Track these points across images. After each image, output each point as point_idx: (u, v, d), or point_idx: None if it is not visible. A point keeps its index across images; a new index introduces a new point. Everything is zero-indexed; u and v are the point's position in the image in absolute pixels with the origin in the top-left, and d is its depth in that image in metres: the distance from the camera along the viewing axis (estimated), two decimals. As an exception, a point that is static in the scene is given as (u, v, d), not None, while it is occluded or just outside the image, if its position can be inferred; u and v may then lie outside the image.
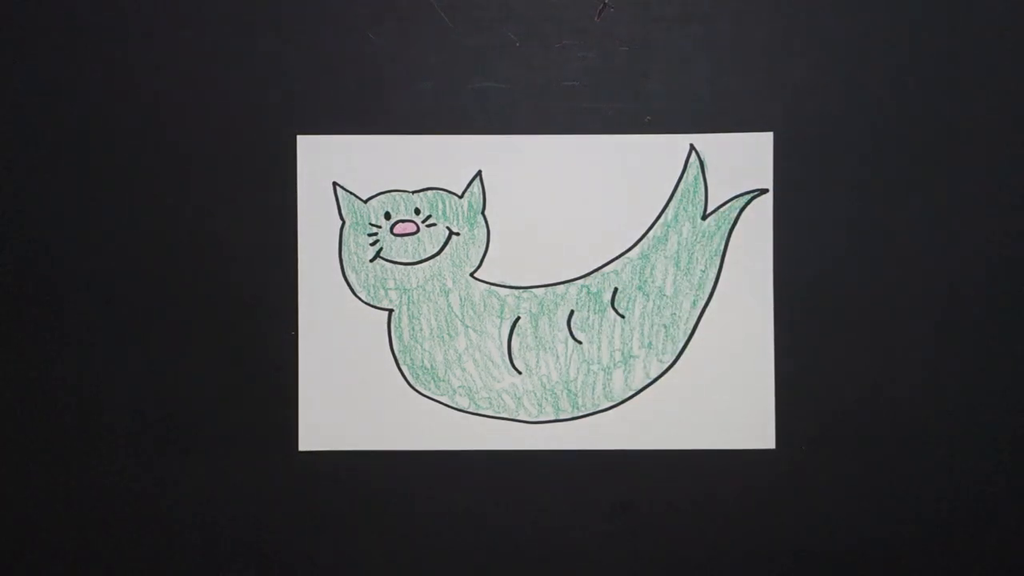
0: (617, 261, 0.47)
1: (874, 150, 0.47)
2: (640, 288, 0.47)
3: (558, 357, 0.47)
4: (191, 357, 0.47)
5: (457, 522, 0.47)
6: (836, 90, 0.47)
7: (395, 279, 0.47)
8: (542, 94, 0.47)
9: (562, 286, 0.47)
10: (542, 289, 0.47)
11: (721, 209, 0.47)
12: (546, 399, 0.47)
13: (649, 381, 0.47)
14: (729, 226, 0.47)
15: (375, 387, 0.47)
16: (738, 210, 0.47)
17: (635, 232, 0.47)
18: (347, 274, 0.47)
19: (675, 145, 0.47)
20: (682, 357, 0.47)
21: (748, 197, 0.47)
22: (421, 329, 0.47)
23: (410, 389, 0.47)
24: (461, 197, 0.47)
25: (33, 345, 0.47)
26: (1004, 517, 0.47)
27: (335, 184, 0.47)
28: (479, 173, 0.47)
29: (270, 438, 0.47)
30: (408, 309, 0.47)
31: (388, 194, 0.47)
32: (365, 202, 0.47)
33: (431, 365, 0.47)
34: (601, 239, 0.47)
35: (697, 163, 0.47)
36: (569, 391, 0.47)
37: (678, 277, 0.47)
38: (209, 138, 0.47)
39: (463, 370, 0.47)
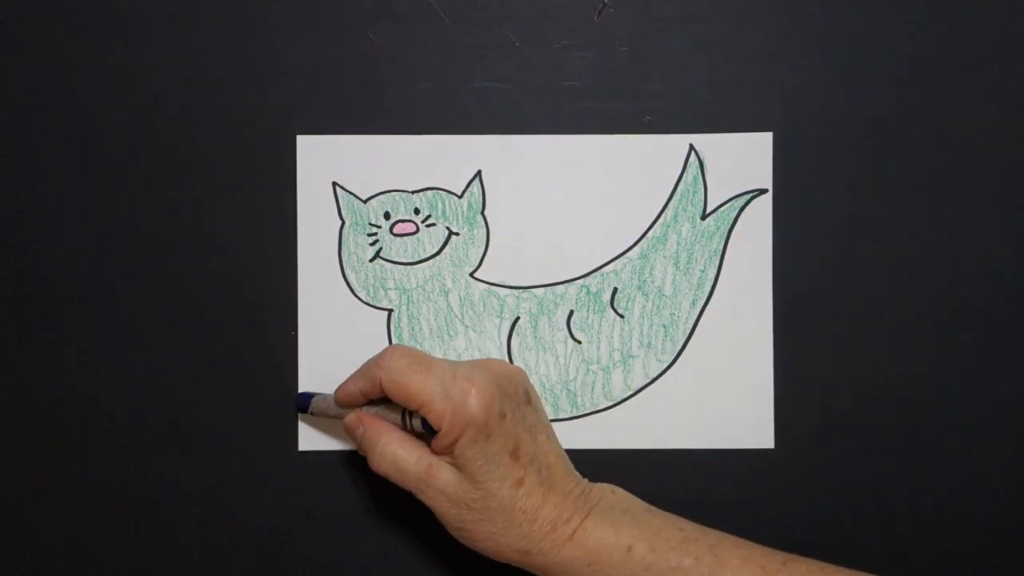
0: (616, 261, 0.47)
1: (874, 150, 0.47)
2: (639, 288, 0.48)
3: (557, 357, 0.48)
4: (191, 357, 0.47)
5: (457, 522, 0.47)
6: (836, 90, 0.47)
7: (395, 279, 0.48)
8: (542, 94, 0.47)
9: (561, 286, 0.47)
10: (541, 289, 0.48)
11: (720, 209, 0.47)
12: (545, 399, 0.47)
13: (648, 381, 0.47)
14: (728, 226, 0.47)
15: (375, 387, 0.47)
16: (737, 210, 0.47)
17: (634, 232, 0.47)
18: (347, 274, 0.47)
19: (674, 145, 0.47)
20: (681, 357, 0.47)
21: (747, 197, 0.47)
22: (421, 329, 0.47)
23: (410, 389, 0.47)
24: (461, 197, 0.47)
25: (33, 345, 0.47)
26: (1004, 516, 0.47)
27: (335, 184, 0.47)
28: (479, 173, 0.47)
29: (270, 438, 0.47)
30: (408, 309, 0.47)
31: (388, 194, 0.47)
32: (365, 202, 0.47)
33: (431, 365, 0.47)
34: (600, 239, 0.47)
35: (696, 163, 0.47)
36: (568, 391, 0.47)
37: (677, 277, 0.48)
38: (209, 138, 0.47)
39: (463, 370, 0.47)
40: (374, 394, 0.43)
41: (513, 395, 0.42)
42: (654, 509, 0.43)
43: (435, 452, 0.42)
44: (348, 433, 0.45)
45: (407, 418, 0.43)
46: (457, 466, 0.41)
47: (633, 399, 0.47)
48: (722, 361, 0.47)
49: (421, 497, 0.42)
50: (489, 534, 0.41)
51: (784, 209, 0.47)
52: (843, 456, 0.47)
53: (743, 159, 0.47)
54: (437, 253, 0.48)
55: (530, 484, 0.41)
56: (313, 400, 0.46)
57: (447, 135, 0.47)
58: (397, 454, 0.42)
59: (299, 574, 0.47)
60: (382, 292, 0.48)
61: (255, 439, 0.47)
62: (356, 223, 0.47)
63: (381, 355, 0.43)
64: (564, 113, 0.47)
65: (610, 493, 0.43)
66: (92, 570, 0.47)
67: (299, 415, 0.47)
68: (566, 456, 0.44)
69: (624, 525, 0.41)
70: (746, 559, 0.40)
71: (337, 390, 0.45)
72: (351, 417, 0.44)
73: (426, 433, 0.42)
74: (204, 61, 0.47)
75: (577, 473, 0.44)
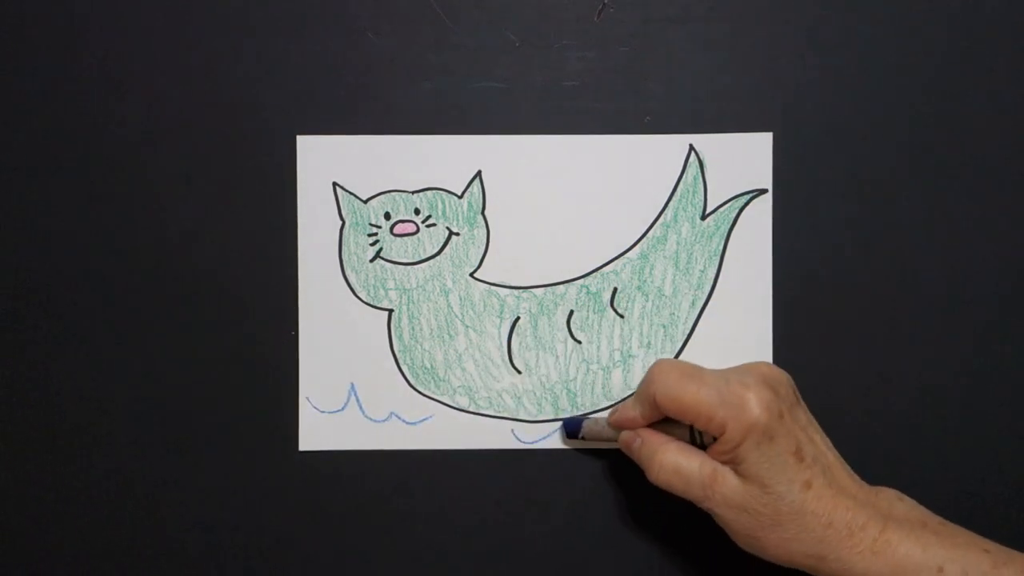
0: (616, 261, 0.47)
1: (873, 150, 0.47)
2: (639, 288, 0.48)
3: (558, 357, 0.48)
4: (191, 357, 0.47)
5: (457, 522, 0.47)
6: (836, 90, 0.47)
7: (395, 279, 0.48)
8: (542, 94, 0.47)
9: (562, 286, 0.48)
10: (542, 289, 0.48)
11: (720, 209, 0.47)
12: (546, 398, 0.47)
13: (649, 381, 0.47)
14: (728, 226, 0.47)
15: (375, 387, 0.47)
16: (737, 210, 0.47)
17: (634, 232, 0.47)
18: (347, 274, 0.47)
19: (674, 145, 0.47)
20: (681, 357, 0.47)
21: (747, 197, 0.47)
22: (421, 329, 0.47)
23: (410, 389, 0.47)
24: (461, 197, 0.47)
25: (33, 345, 0.47)
26: (1005, 516, 0.47)
27: (335, 184, 0.47)
28: (479, 173, 0.47)
29: (270, 438, 0.47)
30: (408, 309, 0.48)
31: (388, 194, 0.47)
32: (365, 202, 0.47)
33: (431, 365, 0.47)
34: (600, 239, 0.47)
35: (696, 163, 0.47)
36: (568, 390, 0.48)
37: (677, 277, 0.48)
38: (209, 138, 0.47)
39: (463, 370, 0.47)
40: (653, 416, 0.42)
41: (785, 396, 0.41)
42: (947, 522, 0.40)
43: (716, 459, 0.40)
44: (624, 448, 0.44)
45: (696, 433, 0.42)
46: (741, 472, 0.39)
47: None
48: (722, 361, 0.47)
49: (707, 505, 0.40)
50: (781, 541, 0.39)
51: (784, 209, 0.47)
52: (843, 456, 0.47)
53: (743, 159, 0.47)
54: (437, 253, 0.48)
55: (818, 486, 0.39)
56: (584, 423, 0.46)
57: (447, 135, 0.47)
58: (679, 462, 0.41)
59: (299, 574, 0.47)
60: (382, 292, 0.48)
61: (255, 439, 0.47)
62: (356, 223, 0.47)
63: (650, 373, 0.42)
64: (564, 113, 0.47)
65: (898, 501, 0.41)
66: (93, 570, 0.47)
67: (567, 438, 0.47)
68: (841, 457, 0.42)
69: (929, 543, 0.38)
70: None
71: (610, 415, 0.45)
72: (627, 432, 0.44)
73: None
74: (204, 61, 0.47)
75: (855, 474, 0.41)
